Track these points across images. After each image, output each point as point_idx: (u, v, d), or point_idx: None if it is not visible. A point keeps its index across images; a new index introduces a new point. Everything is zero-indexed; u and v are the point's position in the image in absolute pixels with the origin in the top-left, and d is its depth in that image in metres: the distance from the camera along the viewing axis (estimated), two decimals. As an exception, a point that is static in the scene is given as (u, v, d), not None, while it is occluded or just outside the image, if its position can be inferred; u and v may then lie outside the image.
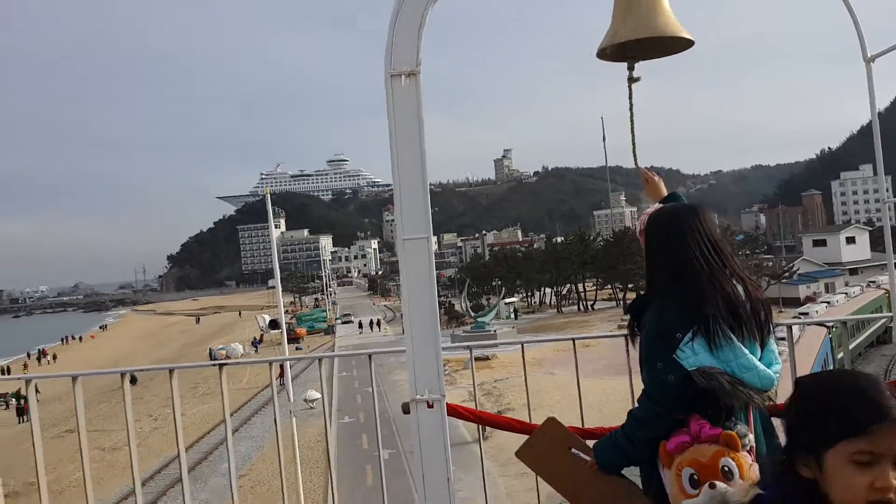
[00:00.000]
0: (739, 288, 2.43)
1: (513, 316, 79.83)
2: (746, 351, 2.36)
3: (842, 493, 1.44)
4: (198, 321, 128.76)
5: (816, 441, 1.47)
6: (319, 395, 39.10)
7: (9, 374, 61.59)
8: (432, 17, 2.67)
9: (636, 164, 2.91)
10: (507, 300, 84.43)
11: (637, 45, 2.70)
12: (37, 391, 4.46)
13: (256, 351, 68.00)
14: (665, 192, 2.94)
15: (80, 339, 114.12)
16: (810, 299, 63.63)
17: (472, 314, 66.58)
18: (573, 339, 4.16)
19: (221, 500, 22.37)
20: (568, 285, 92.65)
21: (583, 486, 2.71)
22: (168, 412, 38.19)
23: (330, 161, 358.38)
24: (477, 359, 43.72)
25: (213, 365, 4.04)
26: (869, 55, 3.18)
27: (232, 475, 4.06)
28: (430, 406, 2.74)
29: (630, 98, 2.77)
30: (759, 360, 2.39)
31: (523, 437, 3.00)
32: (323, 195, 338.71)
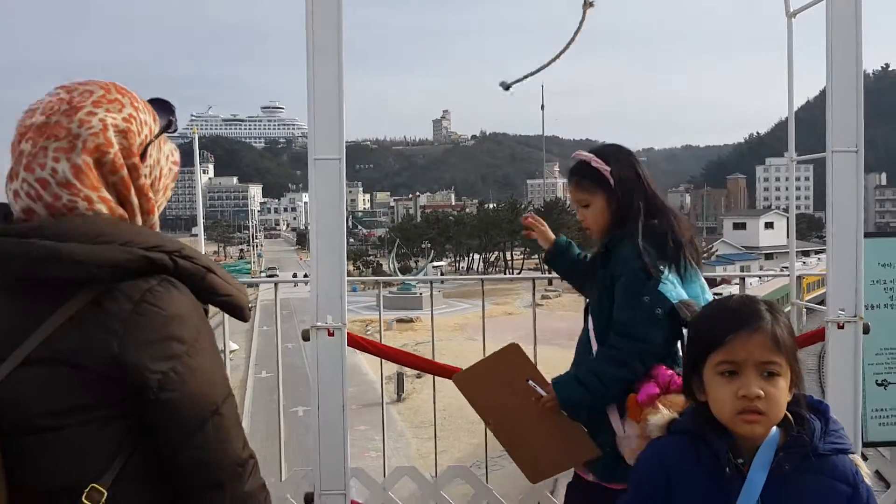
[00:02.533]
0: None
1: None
2: (705, 284, 2.51)
3: (715, 408, 1.48)
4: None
5: (695, 361, 1.53)
6: (237, 347, 38.64)
7: None
8: None
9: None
10: (436, 264, 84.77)
11: None
12: None
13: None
14: (553, 236, 2.97)
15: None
16: (725, 281, 65.86)
17: (400, 275, 66.71)
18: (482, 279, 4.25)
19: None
20: (497, 252, 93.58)
21: (529, 422, 2.50)
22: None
23: (264, 108, 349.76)
24: (400, 320, 43.85)
25: None
26: (791, 10, 3.22)
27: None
28: (331, 334, 2.66)
29: (581, 23, 2.79)
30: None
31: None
32: (255, 143, 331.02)
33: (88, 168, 1.27)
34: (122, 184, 1.32)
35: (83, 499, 1.18)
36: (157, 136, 1.40)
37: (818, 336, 2.93)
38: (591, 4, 2.79)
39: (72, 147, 1.27)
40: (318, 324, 2.66)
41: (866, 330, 2.74)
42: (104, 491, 1.20)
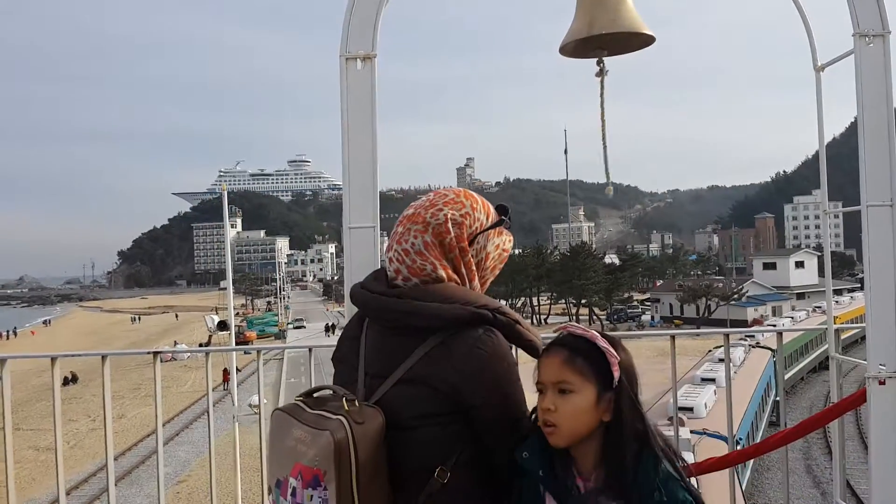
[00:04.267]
0: None
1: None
2: None
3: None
4: (133, 321, 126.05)
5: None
6: (266, 401, 38.38)
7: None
8: (400, 15, 2.59)
9: (606, 163, 2.86)
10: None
11: (599, 40, 2.76)
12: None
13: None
14: None
15: (15, 333, 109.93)
16: (757, 322, 64.86)
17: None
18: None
19: (156, 508, 21.74)
20: (523, 298, 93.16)
21: None
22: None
23: (291, 161, 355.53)
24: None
25: (148, 353, 3.84)
26: (819, 64, 3.18)
27: (160, 480, 3.77)
28: None
29: (602, 95, 2.76)
30: None
31: None
32: (283, 196, 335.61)
33: (434, 245, 1.86)
34: (455, 260, 1.89)
35: (435, 476, 1.74)
36: (485, 230, 1.94)
37: (859, 399, 2.79)
38: (605, 73, 2.77)
39: (424, 230, 1.87)
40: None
41: (909, 385, 2.64)
42: (447, 471, 1.75)
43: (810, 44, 3.17)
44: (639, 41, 2.85)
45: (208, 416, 4.08)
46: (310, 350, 4.00)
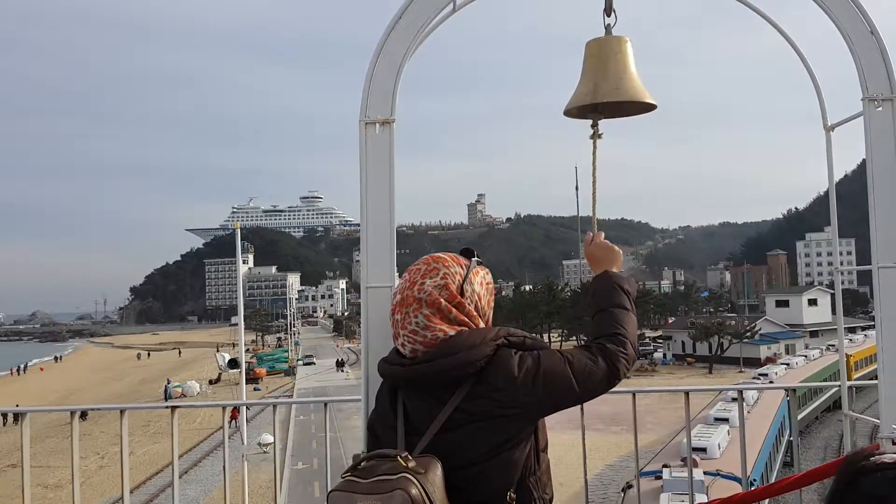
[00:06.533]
0: None
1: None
2: None
3: None
4: (139, 357, 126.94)
5: None
6: (273, 440, 38.10)
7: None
8: (411, 64, 2.71)
9: (594, 220, 2.89)
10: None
11: (603, 105, 2.82)
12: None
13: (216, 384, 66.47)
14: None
15: (24, 369, 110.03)
16: (770, 360, 64.13)
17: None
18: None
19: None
20: (534, 334, 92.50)
21: None
22: (116, 450, 36.91)
23: (303, 197, 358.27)
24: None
25: (166, 407, 3.82)
26: (829, 124, 3.18)
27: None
28: None
29: (594, 154, 2.81)
30: None
31: None
32: (294, 232, 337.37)
33: (433, 316, 2.02)
34: (457, 316, 2.04)
35: (507, 499, 1.94)
36: (465, 278, 2.09)
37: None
38: (599, 136, 2.82)
39: (420, 307, 2.03)
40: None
41: (925, 446, 2.61)
42: (514, 495, 1.95)
43: (820, 105, 3.18)
44: (640, 108, 2.91)
45: (224, 473, 4.02)
46: (325, 405, 3.99)
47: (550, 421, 2.12)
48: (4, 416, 47.08)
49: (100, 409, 5.47)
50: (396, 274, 2.67)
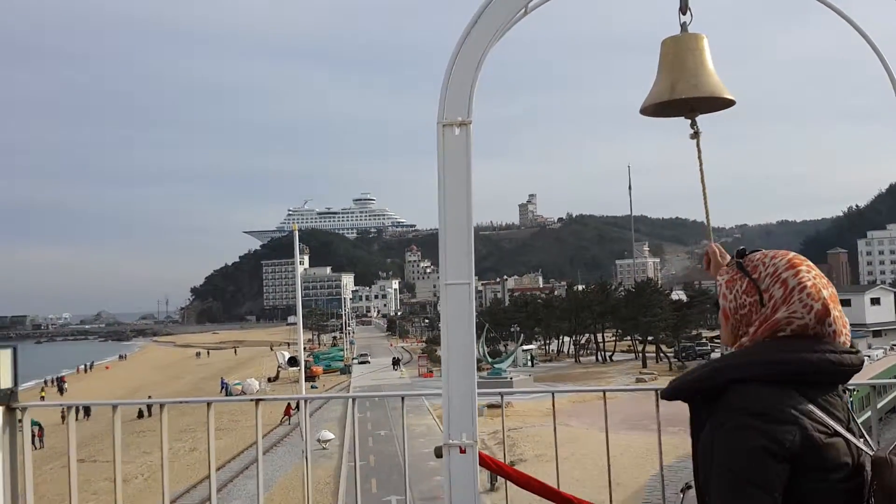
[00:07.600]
0: None
1: (529, 363, 79.14)
2: None
3: None
4: (198, 356, 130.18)
5: None
6: (333, 436, 38.94)
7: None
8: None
9: (708, 226, 2.80)
10: (525, 347, 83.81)
11: (681, 102, 2.80)
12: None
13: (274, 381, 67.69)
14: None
15: (91, 367, 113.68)
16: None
17: (489, 360, 66.09)
18: (604, 391, 4.16)
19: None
20: (587, 335, 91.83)
21: None
22: (179, 445, 38.05)
23: (356, 199, 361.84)
24: (491, 406, 43.19)
25: (251, 400, 4.09)
26: None
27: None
28: (463, 451, 2.77)
29: (699, 155, 2.77)
30: None
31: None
32: (348, 233, 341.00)
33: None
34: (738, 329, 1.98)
35: None
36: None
37: None
38: (699, 133, 2.79)
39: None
40: (452, 441, 2.78)
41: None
42: None
43: (893, 85, 3.04)
44: (720, 103, 2.89)
45: (305, 465, 4.23)
46: (353, 400, 4.14)
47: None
48: (85, 409, 48.79)
49: (188, 402, 5.78)
50: (474, 271, 2.74)
